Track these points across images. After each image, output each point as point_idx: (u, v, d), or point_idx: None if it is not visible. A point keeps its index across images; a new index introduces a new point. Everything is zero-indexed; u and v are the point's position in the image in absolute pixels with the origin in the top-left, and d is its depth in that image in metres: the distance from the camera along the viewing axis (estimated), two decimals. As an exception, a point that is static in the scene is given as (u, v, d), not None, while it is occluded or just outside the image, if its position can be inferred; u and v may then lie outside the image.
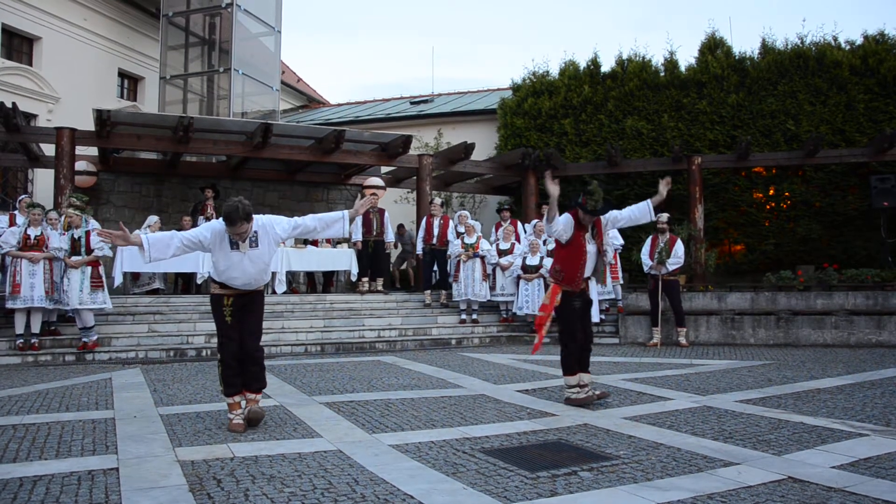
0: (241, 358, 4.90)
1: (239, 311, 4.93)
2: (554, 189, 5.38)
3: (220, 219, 4.69)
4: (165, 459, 4.01)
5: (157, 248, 4.68)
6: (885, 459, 3.95)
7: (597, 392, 5.75)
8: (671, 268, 10.18)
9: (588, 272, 5.72)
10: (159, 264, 10.86)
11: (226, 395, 4.93)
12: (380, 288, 12.44)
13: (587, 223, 5.64)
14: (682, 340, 10.32)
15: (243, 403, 4.93)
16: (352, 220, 4.88)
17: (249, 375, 4.93)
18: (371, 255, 12.34)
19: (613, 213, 5.80)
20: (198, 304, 10.59)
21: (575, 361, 5.72)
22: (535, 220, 12.07)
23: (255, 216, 4.77)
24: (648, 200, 5.81)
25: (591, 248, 5.67)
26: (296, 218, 4.98)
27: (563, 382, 5.85)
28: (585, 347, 5.79)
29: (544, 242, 10.91)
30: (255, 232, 4.76)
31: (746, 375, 7.27)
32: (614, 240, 10.71)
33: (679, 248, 10.21)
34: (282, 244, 11.31)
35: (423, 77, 68.28)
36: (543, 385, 6.72)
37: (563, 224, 5.56)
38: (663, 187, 5.78)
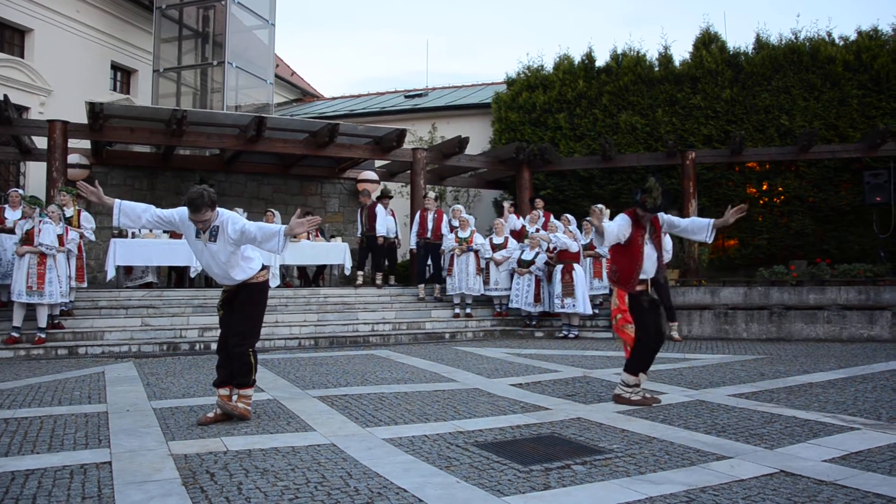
0: (226, 350, 4.94)
1: (228, 305, 4.97)
2: (596, 221, 5.36)
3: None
4: (158, 453, 4.00)
5: (127, 214, 4.72)
6: (875, 453, 3.98)
7: (648, 395, 5.57)
8: (662, 262, 10.20)
9: (647, 274, 5.49)
10: (152, 258, 10.93)
11: (213, 384, 5.04)
12: (378, 282, 12.44)
13: (645, 222, 5.45)
14: (675, 335, 10.35)
15: (234, 398, 4.94)
16: (287, 237, 4.59)
17: (234, 370, 4.93)
18: (366, 250, 12.41)
19: (671, 218, 5.64)
20: (191, 298, 10.57)
21: (646, 359, 5.50)
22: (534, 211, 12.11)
23: (221, 211, 4.72)
24: (712, 220, 5.54)
25: (647, 249, 5.44)
26: (247, 223, 4.75)
27: (621, 380, 5.58)
28: (658, 346, 5.60)
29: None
30: (217, 227, 4.68)
31: (739, 370, 7.30)
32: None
33: (667, 242, 10.17)
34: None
35: (418, 71, 68.05)
36: (537, 379, 6.73)
37: (618, 226, 5.35)
38: (732, 216, 5.38)
